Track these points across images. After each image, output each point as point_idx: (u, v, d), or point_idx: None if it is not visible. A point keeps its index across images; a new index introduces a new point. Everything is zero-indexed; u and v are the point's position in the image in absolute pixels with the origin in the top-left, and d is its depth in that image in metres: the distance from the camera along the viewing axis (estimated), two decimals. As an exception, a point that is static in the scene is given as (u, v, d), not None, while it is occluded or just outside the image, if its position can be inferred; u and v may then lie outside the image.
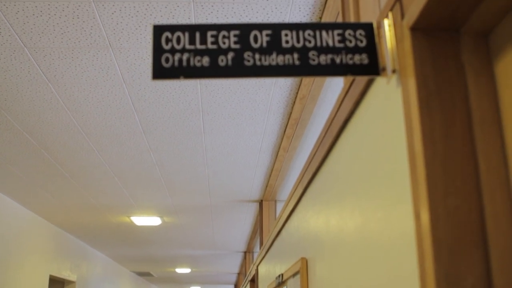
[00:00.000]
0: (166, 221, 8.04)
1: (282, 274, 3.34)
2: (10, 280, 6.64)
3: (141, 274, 16.98)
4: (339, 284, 1.80)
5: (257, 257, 5.67)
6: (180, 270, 15.41)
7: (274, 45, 1.26)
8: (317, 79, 3.29)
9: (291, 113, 4.01)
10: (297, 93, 3.68)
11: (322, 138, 2.00)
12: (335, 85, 3.59)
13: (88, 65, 3.27)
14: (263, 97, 3.76)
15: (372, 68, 1.26)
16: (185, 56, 1.24)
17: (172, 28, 1.27)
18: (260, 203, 6.78)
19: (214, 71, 1.23)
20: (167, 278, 18.58)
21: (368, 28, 1.29)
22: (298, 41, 1.27)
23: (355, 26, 1.29)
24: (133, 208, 7.17)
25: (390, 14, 1.22)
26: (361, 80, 1.45)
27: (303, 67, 1.25)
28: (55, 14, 2.74)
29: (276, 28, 1.28)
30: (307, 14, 2.77)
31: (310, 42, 1.27)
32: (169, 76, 1.22)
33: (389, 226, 1.26)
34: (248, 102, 3.83)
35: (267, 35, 1.27)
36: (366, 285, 1.47)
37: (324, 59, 1.26)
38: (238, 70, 1.24)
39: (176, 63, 1.23)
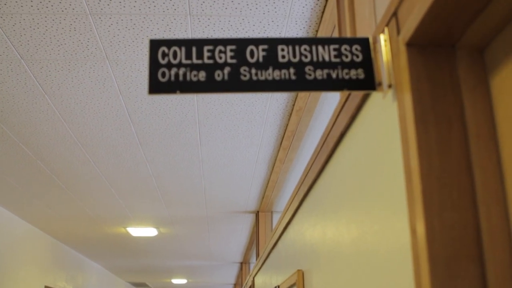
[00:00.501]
0: (162, 232, 8.02)
1: (278, 286, 3.33)
2: (5, 292, 6.61)
3: (137, 285, 16.91)
4: (335, 297, 1.80)
5: (254, 268, 5.66)
6: (176, 281, 15.36)
7: (271, 60, 1.27)
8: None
9: (287, 125, 4.02)
10: (293, 105, 3.69)
11: (318, 151, 2.00)
12: (332, 97, 3.60)
13: (84, 77, 3.27)
14: (259, 109, 3.77)
15: (368, 83, 1.26)
16: (181, 71, 1.24)
17: (169, 43, 1.27)
18: (257, 214, 6.77)
19: (210, 86, 1.23)
20: (163, 289, 18.52)
21: (364, 43, 1.30)
22: (294, 56, 1.27)
23: (351, 41, 1.29)
24: (129, 219, 7.15)
25: (386, 29, 1.23)
26: (357, 94, 1.46)
27: (299, 82, 1.25)
28: (52, 27, 2.75)
29: (272, 43, 1.29)
30: (304, 28, 2.78)
31: (306, 57, 1.27)
32: (166, 91, 1.22)
33: (385, 239, 1.26)
34: (245, 114, 3.84)
35: (263, 50, 1.28)
36: (362, 299, 1.47)
37: (320, 74, 1.26)
38: (234, 85, 1.24)
39: (173, 78, 1.24)
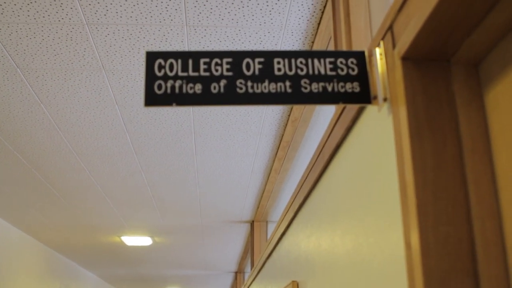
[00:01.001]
0: (157, 241, 8.00)
1: (273, 297, 3.32)
2: (-1, 301, 6.58)
3: (131, 294, 16.85)
4: (330, 309, 1.80)
5: (248, 278, 5.64)
6: (170, 291, 15.31)
7: (267, 73, 1.27)
8: (309, 102, 3.30)
9: (283, 135, 4.02)
10: (289, 115, 3.70)
11: (313, 163, 2.00)
12: (327, 108, 3.61)
13: (80, 86, 3.27)
14: (255, 119, 3.77)
15: (363, 96, 1.27)
16: (177, 83, 1.25)
17: (165, 55, 1.28)
18: (252, 223, 6.76)
19: (206, 99, 1.24)
20: (158, 298, 18.44)
21: (359, 57, 1.30)
22: (290, 69, 1.28)
23: (347, 55, 1.30)
24: (123, 228, 7.13)
25: (381, 43, 1.23)
26: (353, 106, 1.46)
27: (295, 95, 1.26)
28: (48, 36, 2.75)
29: (268, 56, 1.29)
30: (300, 39, 2.79)
31: (302, 70, 1.28)
32: (162, 103, 1.23)
33: (380, 252, 1.26)
34: (240, 124, 3.84)
35: (259, 62, 1.28)
36: (357, 311, 1.47)
37: (316, 87, 1.26)
38: (230, 97, 1.24)
39: (169, 90, 1.24)
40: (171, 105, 1.22)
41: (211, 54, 1.28)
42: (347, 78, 1.28)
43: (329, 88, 1.26)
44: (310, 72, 1.28)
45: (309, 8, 2.57)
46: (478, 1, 0.94)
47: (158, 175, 4.98)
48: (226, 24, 2.68)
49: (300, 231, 2.42)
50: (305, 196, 2.23)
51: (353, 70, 1.29)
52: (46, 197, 5.66)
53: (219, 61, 1.28)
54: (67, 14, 2.59)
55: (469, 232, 1.01)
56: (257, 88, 1.25)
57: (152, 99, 1.23)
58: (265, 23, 2.67)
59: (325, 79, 1.27)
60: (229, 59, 1.28)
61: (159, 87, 1.24)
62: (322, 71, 1.28)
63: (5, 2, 2.49)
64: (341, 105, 1.47)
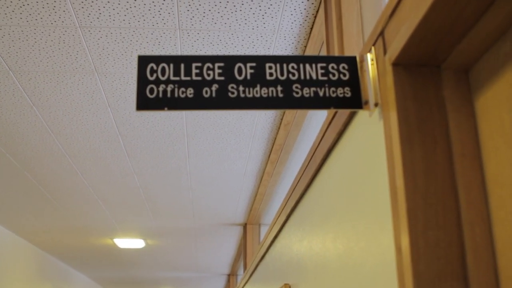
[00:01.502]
0: (150, 243, 7.99)
1: (265, 300, 3.32)
2: (-10, 304, 6.55)
3: (124, 297, 16.80)
4: (321, 313, 1.80)
5: (241, 280, 5.64)
6: (163, 293, 15.28)
7: (258, 78, 1.27)
8: (302, 105, 3.30)
9: (275, 138, 4.03)
10: (281, 119, 3.70)
11: (305, 166, 2.01)
12: (320, 112, 3.62)
13: (73, 89, 3.27)
14: (247, 123, 3.78)
15: (354, 101, 1.27)
16: (169, 88, 1.25)
17: (157, 59, 1.28)
18: (244, 226, 6.76)
19: (198, 103, 1.24)
20: (150, 301, 18.40)
21: (351, 62, 1.31)
22: (282, 74, 1.28)
23: (339, 60, 1.31)
24: (116, 231, 7.12)
25: (373, 49, 1.24)
26: (344, 111, 1.47)
27: (287, 100, 1.26)
28: (41, 39, 2.75)
29: (260, 61, 1.29)
30: (292, 43, 2.79)
31: (294, 75, 1.28)
32: (154, 107, 1.23)
33: (371, 256, 1.27)
34: (233, 127, 3.85)
35: (251, 67, 1.28)
36: (348, 315, 1.47)
37: (307, 92, 1.27)
38: (222, 102, 1.25)
39: (161, 94, 1.24)
40: (163, 109, 1.23)
41: (203, 59, 1.29)
42: (339, 83, 1.28)
43: (321, 93, 1.27)
44: (302, 77, 1.29)
45: (301, 13, 2.58)
46: (467, 9, 0.94)
47: (150, 178, 4.97)
48: (219, 28, 2.68)
49: (292, 234, 2.43)
50: (297, 200, 2.24)
51: (344, 75, 1.29)
52: (38, 200, 5.65)
53: (211, 65, 1.28)
54: (59, 17, 2.59)
55: (459, 237, 1.02)
56: (249, 93, 1.26)
57: (144, 103, 1.23)
58: (257, 27, 2.68)
59: (316, 84, 1.28)
60: (221, 64, 1.28)
61: (151, 91, 1.25)
62: (314, 76, 1.29)
63: (-3, 5, 2.49)
64: (333, 110, 1.48)
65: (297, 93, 1.27)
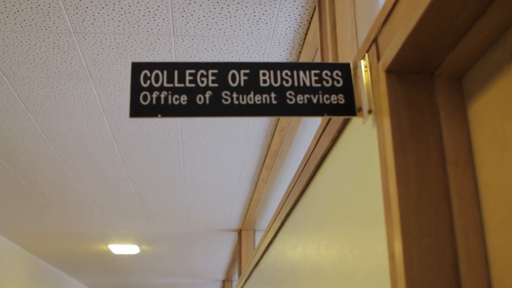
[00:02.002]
0: (145, 249, 7.97)
1: (259, 306, 3.32)
2: (-16, 310, 6.52)
3: (118, 303, 16.75)
4: (315, 319, 1.80)
5: (236, 286, 5.63)
6: (157, 299, 15.24)
7: (252, 84, 1.27)
8: (296, 112, 3.30)
9: (270, 144, 4.03)
10: (276, 125, 3.71)
11: (299, 173, 2.01)
12: (314, 118, 3.62)
13: (67, 94, 3.26)
14: (242, 129, 3.78)
15: (348, 108, 1.27)
16: (163, 94, 1.25)
17: (151, 66, 1.28)
18: (239, 232, 6.75)
19: (192, 110, 1.24)
20: (145, 307, 18.34)
21: (345, 69, 1.31)
22: (275, 81, 1.28)
23: (332, 66, 1.31)
24: (111, 237, 7.10)
25: (366, 56, 1.24)
26: (338, 118, 1.47)
27: (280, 107, 1.26)
28: (35, 45, 2.75)
29: (254, 68, 1.29)
30: (287, 49, 2.80)
31: (287, 81, 1.28)
32: (147, 114, 1.23)
33: (365, 263, 1.27)
34: (228, 133, 3.84)
35: (245, 74, 1.28)
36: (342, 322, 1.47)
37: (301, 98, 1.27)
38: (216, 109, 1.24)
39: (154, 101, 1.24)
40: (157, 116, 1.23)
41: (197, 66, 1.29)
42: (332, 90, 1.28)
43: (314, 100, 1.27)
44: (296, 83, 1.29)
45: (296, 19, 2.58)
46: (460, 16, 0.95)
47: (145, 184, 4.97)
48: (214, 34, 2.68)
49: (286, 241, 2.43)
50: (292, 206, 2.24)
51: (338, 82, 1.29)
52: (32, 205, 5.63)
53: (204, 72, 1.28)
54: (54, 23, 2.58)
55: (452, 244, 1.02)
56: (243, 100, 1.26)
57: (137, 110, 1.23)
58: (252, 33, 2.68)
59: (310, 91, 1.28)
60: (215, 71, 1.28)
61: (145, 98, 1.24)
62: (308, 83, 1.29)
63: (-8, 11, 2.49)
64: (327, 117, 1.48)
65: (290, 100, 1.27)
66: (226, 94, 1.26)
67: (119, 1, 2.47)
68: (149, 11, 2.52)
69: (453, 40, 1.02)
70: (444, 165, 1.07)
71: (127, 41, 2.73)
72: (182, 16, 2.56)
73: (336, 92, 1.28)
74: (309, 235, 1.92)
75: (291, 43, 2.75)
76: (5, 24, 2.58)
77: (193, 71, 1.28)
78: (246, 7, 2.50)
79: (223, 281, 11.37)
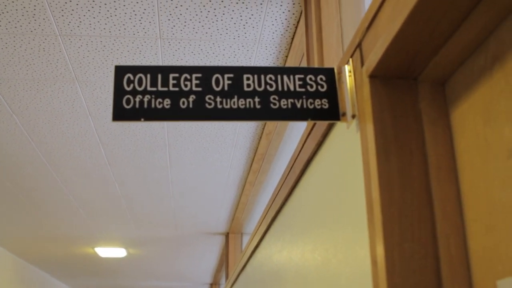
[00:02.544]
0: (132, 252, 7.94)
1: (246, 310, 3.31)
2: (-31, 313, 6.47)
3: (105, 306, 16.68)
4: (300, 324, 1.80)
5: (222, 291, 5.62)
6: (145, 303, 15.18)
7: (236, 89, 1.27)
8: (283, 115, 3.30)
9: (257, 148, 4.02)
10: (263, 128, 3.70)
11: (285, 177, 2.01)
12: (300, 122, 3.61)
13: (53, 97, 3.25)
14: (229, 132, 3.77)
15: (332, 113, 1.27)
16: (146, 98, 1.24)
17: (134, 69, 1.27)
18: (227, 235, 6.74)
19: (175, 114, 1.23)
20: (132, 310, 18.27)
21: (329, 73, 1.31)
22: (259, 85, 1.28)
23: (316, 71, 1.31)
24: (97, 240, 7.07)
25: (350, 61, 1.24)
26: (323, 122, 1.47)
27: (264, 111, 1.26)
28: (20, 47, 2.73)
29: (238, 72, 1.29)
30: (273, 53, 2.80)
31: (271, 86, 1.28)
32: (130, 118, 1.22)
33: (348, 268, 1.27)
34: (215, 136, 3.84)
35: (229, 78, 1.28)
36: (326, 327, 1.47)
37: (285, 103, 1.27)
38: (199, 113, 1.24)
39: (137, 105, 1.23)
40: (140, 120, 1.22)
41: (181, 69, 1.28)
42: (316, 95, 1.28)
43: (298, 105, 1.27)
44: (280, 88, 1.28)
45: (282, 23, 2.58)
46: (443, 22, 0.95)
47: (132, 187, 4.95)
48: (200, 38, 2.68)
49: (272, 245, 2.43)
50: (278, 210, 2.23)
51: (322, 86, 1.29)
52: (18, 208, 5.60)
53: (188, 76, 1.27)
54: (39, 25, 2.57)
55: (434, 249, 1.02)
56: (226, 104, 1.25)
57: (120, 113, 1.23)
58: (239, 37, 2.68)
59: (294, 96, 1.28)
60: (199, 75, 1.28)
61: (128, 101, 1.24)
62: (292, 88, 1.29)
63: (-24, 12, 2.47)
64: (311, 122, 1.48)
65: (274, 104, 1.27)
66: (209, 98, 1.26)
67: (105, 4, 2.46)
68: (136, 14, 2.52)
69: (436, 45, 1.02)
70: (427, 170, 1.07)
71: (113, 44, 2.72)
72: (169, 20, 2.55)
73: (320, 97, 1.28)
74: (295, 239, 1.92)
75: (278, 47, 2.75)
76: (-10, 26, 2.56)
77: (176, 75, 1.27)
78: (233, 11, 2.50)
79: (211, 284, 11.35)
